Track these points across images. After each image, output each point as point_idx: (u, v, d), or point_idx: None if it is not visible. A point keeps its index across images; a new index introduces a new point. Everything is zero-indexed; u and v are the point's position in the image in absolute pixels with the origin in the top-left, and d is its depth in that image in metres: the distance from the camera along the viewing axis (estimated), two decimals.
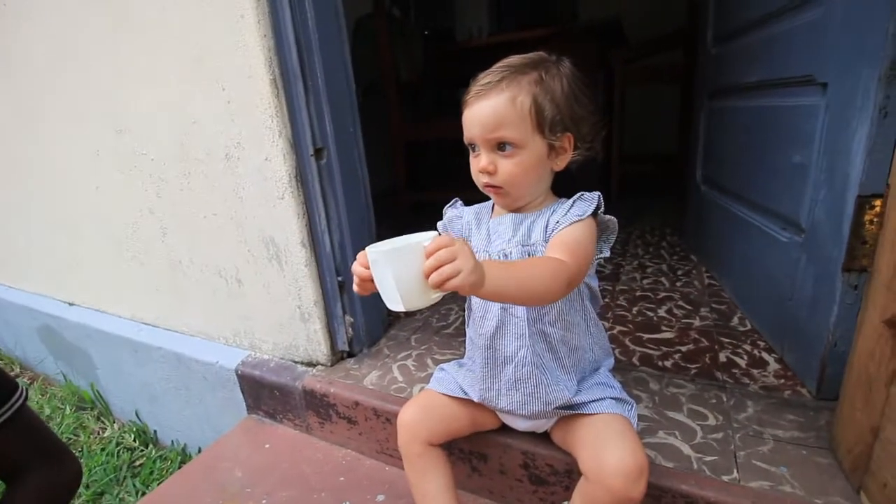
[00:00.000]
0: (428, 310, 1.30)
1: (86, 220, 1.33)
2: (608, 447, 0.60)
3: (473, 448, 0.82)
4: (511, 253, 0.67)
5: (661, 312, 1.16)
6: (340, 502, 0.87)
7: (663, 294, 1.27)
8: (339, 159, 0.97)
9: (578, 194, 0.66)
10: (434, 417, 0.75)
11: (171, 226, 1.15)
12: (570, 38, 2.17)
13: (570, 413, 0.69)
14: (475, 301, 0.71)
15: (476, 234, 0.73)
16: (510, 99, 0.61)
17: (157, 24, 0.95)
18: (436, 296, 0.50)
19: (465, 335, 1.03)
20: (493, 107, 0.62)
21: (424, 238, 0.50)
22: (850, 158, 0.72)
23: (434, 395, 0.77)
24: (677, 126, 2.32)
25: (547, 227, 0.65)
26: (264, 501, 0.89)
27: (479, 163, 0.65)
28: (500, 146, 0.63)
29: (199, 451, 1.34)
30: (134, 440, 1.44)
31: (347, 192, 0.99)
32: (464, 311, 1.28)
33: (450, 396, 0.76)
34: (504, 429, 0.79)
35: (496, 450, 0.80)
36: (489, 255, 0.69)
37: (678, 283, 1.33)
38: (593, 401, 0.68)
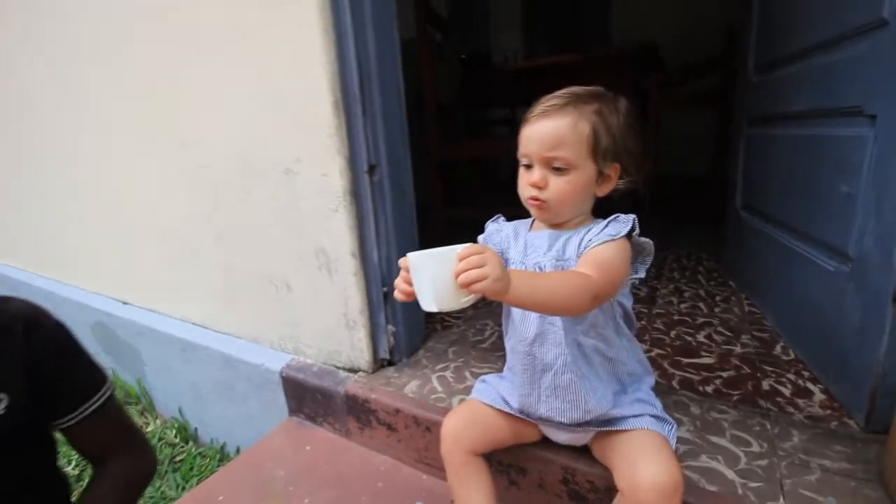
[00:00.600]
0: (464, 324, 1.33)
1: (144, 225, 1.43)
2: (643, 462, 0.62)
3: (513, 461, 0.84)
4: (545, 266, 0.70)
5: (700, 337, 1.16)
6: None
7: (702, 319, 1.26)
8: (389, 176, 1.02)
9: (614, 216, 0.68)
10: (477, 427, 0.77)
11: (227, 234, 1.22)
12: (604, 63, 2.21)
13: (609, 429, 0.70)
14: (515, 311, 0.74)
15: (514, 247, 0.76)
16: (572, 123, 0.65)
17: (226, 51, 1.03)
18: (466, 299, 0.56)
19: (500, 350, 1.06)
20: (555, 128, 0.66)
21: (459, 247, 0.55)
22: None
23: (477, 405, 0.80)
24: (712, 151, 2.31)
25: (581, 243, 0.67)
26: (306, 501, 0.92)
27: (530, 177, 0.68)
28: (555, 165, 0.66)
29: (238, 450, 1.39)
30: (175, 436, 1.50)
31: (396, 207, 1.04)
32: (499, 326, 1.31)
33: (492, 407, 0.79)
34: (544, 442, 0.80)
35: (536, 463, 0.81)
36: (525, 266, 0.72)
37: (717, 309, 1.32)
38: (632, 416, 0.69)
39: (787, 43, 1.16)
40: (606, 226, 0.67)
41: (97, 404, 0.62)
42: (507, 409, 0.78)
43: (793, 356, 1.05)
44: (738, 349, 1.09)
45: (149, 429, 1.58)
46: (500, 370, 0.87)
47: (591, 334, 0.70)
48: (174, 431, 1.51)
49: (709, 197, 2.12)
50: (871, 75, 0.82)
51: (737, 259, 1.51)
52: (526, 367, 0.73)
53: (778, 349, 1.08)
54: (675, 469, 0.60)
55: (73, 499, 0.66)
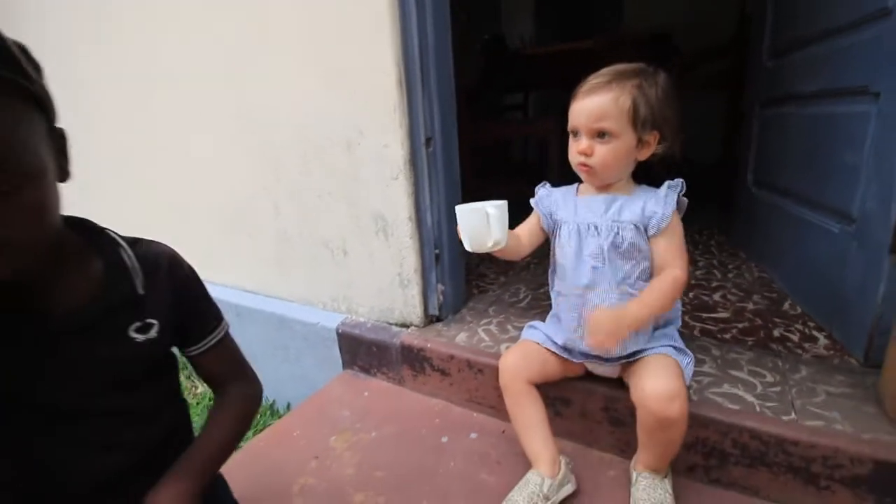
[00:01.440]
0: (499, 288, 1.46)
1: (203, 198, 1.53)
2: (651, 378, 0.76)
3: (558, 394, 0.97)
4: (600, 226, 0.82)
5: (716, 297, 1.29)
6: (439, 437, 1.03)
7: (716, 283, 1.39)
8: (441, 148, 1.14)
9: (666, 183, 0.80)
10: (531, 361, 0.90)
11: (284, 204, 1.33)
12: (619, 49, 2.31)
13: (637, 357, 0.83)
14: (567, 263, 0.86)
15: (563, 208, 0.88)
16: (614, 98, 0.76)
17: (293, 33, 1.14)
18: (492, 245, 0.77)
19: (535, 308, 1.20)
20: (599, 102, 0.77)
21: (489, 204, 0.75)
22: None
23: (529, 344, 0.93)
24: (723, 133, 2.41)
25: (644, 211, 0.79)
26: (374, 433, 1.05)
27: (579, 145, 0.80)
28: (600, 134, 0.78)
29: (288, 406, 1.51)
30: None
31: (446, 176, 1.16)
32: (531, 290, 1.44)
33: (542, 345, 0.92)
34: (585, 377, 0.93)
35: (579, 394, 0.94)
36: (577, 224, 0.84)
37: (730, 275, 1.45)
38: (657, 346, 0.82)
39: (799, 29, 1.27)
40: (666, 195, 0.79)
41: (218, 337, 0.74)
42: (553, 348, 0.91)
43: (799, 311, 1.18)
44: (750, 306, 1.22)
45: (198, 391, 1.70)
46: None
47: (635, 287, 0.82)
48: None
49: (718, 177, 2.22)
50: (876, 58, 0.93)
51: (747, 231, 1.63)
52: (575, 307, 0.85)
53: (786, 305, 1.21)
54: (676, 380, 0.74)
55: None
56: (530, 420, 0.86)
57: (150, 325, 0.61)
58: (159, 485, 0.58)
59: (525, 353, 0.91)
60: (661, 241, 0.80)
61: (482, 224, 0.76)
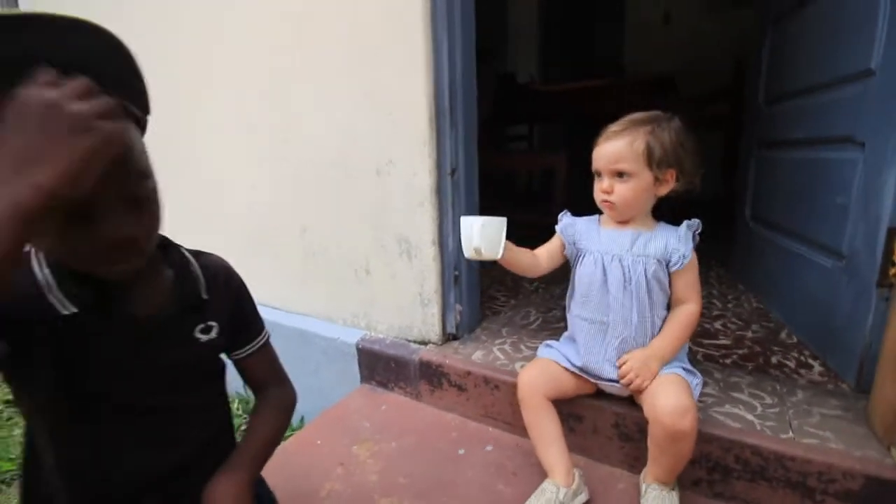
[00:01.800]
0: (511, 310, 1.53)
1: (228, 213, 1.61)
2: (663, 395, 0.82)
3: (571, 410, 1.03)
4: (624, 259, 0.91)
5: (717, 325, 1.37)
6: (456, 449, 1.08)
7: (716, 312, 1.47)
8: (464, 178, 1.23)
9: (685, 223, 0.90)
10: (548, 377, 0.96)
11: (313, 224, 1.42)
12: (625, 89, 2.46)
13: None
14: (593, 293, 0.94)
15: (587, 238, 0.97)
16: (629, 142, 0.87)
17: (337, 66, 1.25)
18: (474, 253, 0.86)
19: (545, 330, 1.28)
20: (616, 147, 0.88)
21: (483, 218, 0.85)
22: (881, 199, 0.94)
23: (547, 362, 0.99)
24: (721, 170, 2.54)
25: (666, 247, 0.89)
26: (394, 444, 1.11)
27: (601, 185, 0.90)
28: (619, 174, 0.88)
29: (302, 419, 1.56)
30: (238, 409, 1.67)
31: (468, 203, 1.25)
32: (541, 313, 1.51)
33: (558, 364, 0.99)
34: (596, 395, 1.00)
35: (591, 411, 1.01)
36: (602, 255, 0.93)
37: (729, 305, 1.53)
38: (666, 368, 0.89)
39: (792, 81, 1.40)
40: (685, 234, 0.89)
41: (261, 342, 0.81)
42: (569, 367, 0.98)
43: (796, 340, 1.26)
44: (749, 334, 1.30)
45: None
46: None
47: (653, 312, 0.91)
48: (237, 405, 1.68)
49: (717, 213, 2.33)
50: (860, 111, 1.04)
51: (745, 265, 1.72)
52: (595, 333, 0.93)
53: (783, 335, 1.29)
54: (687, 398, 0.81)
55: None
56: (547, 433, 0.92)
57: (211, 327, 0.69)
58: (218, 475, 0.64)
59: (543, 369, 0.98)
60: (681, 276, 0.90)
61: (470, 233, 0.86)
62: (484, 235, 0.85)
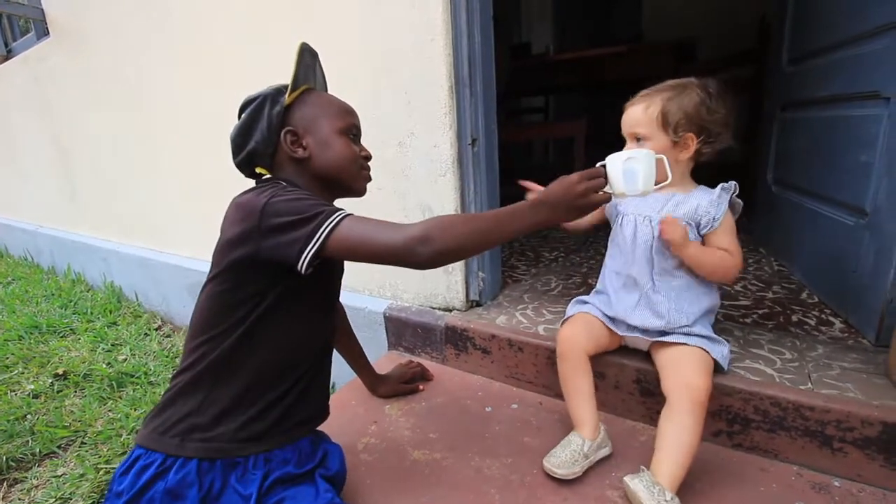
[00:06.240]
0: (531, 278, 1.57)
1: None
2: (683, 372, 0.85)
3: (594, 368, 1.06)
4: (654, 220, 0.93)
5: (738, 287, 1.38)
6: (483, 407, 1.14)
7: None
8: (484, 148, 1.25)
9: (721, 185, 0.91)
10: (587, 331, 0.99)
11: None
12: (644, 55, 2.41)
13: (674, 340, 0.92)
14: (626, 243, 0.97)
15: (625, 200, 0.99)
16: (644, 108, 0.90)
17: (356, 46, 1.27)
18: (652, 189, 0.75)
19: (567, 296, 1.32)
20: (632, 113, 0.92)
21: (649, 152, 0.74)
22: None
23: (585, 316, 1.02)
24: (744, 135, 2.49)
25: (697, 210, 0.90)
26: (423, 403, 1.17)
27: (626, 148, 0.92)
28: (637, 138, 0.91)
29: (333, 385, 1.64)
30: None
31: (488, 172, 1.28)
32: (561, 280, 1.54)
33: (595, 317, 1.02)
34: (619, 351, 1.03)
35: (613, 368, 1.04)
36: (635, 216, 0.96)
37: (750, 268, 1.54)
38: (694, 335, 0.91)
39: (817, 38, 1.36)
40: (718, 196, 0.90)
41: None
42: (605, 320, 1.01)
43: (816, 299, 1.27)
44: (769, 295, 1.31)
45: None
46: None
47: (676, 271, 0.93)
48: None
49: (739, 177, 2.30)
50: (888, 65, 1.02)
51: (767, 229, 1.72)
52: (627, 284, 0.96)
53: (804, 295, 1.30)
54: (705, 379, 0.83)
55: None
56: (581, 387, 0.96)
57: None
58: None
59: (582, 323, 1.00)
60: (715, 238, 0.91)
61: (649, 167, 0.74)
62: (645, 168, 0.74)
